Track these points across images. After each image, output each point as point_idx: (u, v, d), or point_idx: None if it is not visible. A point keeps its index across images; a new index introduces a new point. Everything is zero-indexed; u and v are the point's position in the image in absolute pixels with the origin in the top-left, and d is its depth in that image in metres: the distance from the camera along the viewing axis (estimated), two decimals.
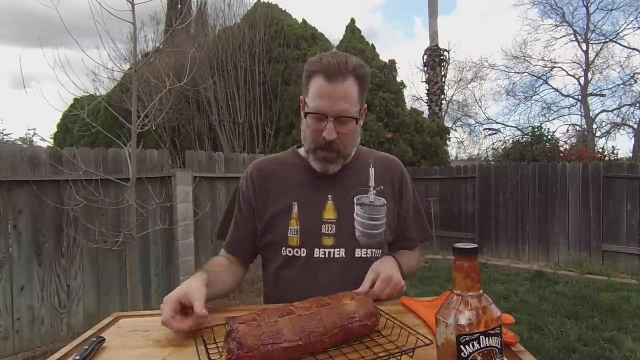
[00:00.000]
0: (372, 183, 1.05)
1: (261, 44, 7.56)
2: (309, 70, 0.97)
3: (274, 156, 1.15)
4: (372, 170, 1.06)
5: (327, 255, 0.99)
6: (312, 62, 0.97)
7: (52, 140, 11.77)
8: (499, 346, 0.52)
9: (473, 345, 0.50)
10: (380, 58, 8.01)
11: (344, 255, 1.00)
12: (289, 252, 1.01)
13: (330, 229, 1.00)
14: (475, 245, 0.54)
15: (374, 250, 1.02)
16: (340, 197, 1.03)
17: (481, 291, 0.53)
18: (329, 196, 1.02)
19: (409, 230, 1.12)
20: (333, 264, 0.99)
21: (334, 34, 24.70)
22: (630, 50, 14.95)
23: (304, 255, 1.00)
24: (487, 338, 0.51)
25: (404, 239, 1.12)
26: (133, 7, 2.60)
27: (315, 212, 1.01)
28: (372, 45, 8.23)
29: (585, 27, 15.66)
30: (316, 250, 1.00)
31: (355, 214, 1.02)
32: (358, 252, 1.01)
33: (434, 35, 10.37)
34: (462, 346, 0.50)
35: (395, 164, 1.14)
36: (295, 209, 1.02)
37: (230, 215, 1.12)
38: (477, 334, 0.50)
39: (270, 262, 1.06)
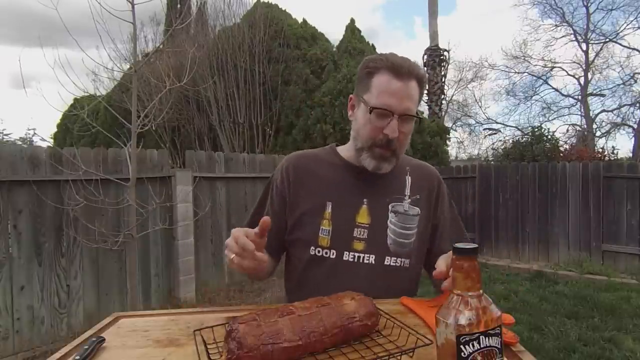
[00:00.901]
0: (407, 192, 1.03)
1: (261, 44, 7.56)
2: (371, 67, 0.96)
3: (312, 151, 1.13)
4: (409, 179, 1.05)
5: (356, 260, 0.98)
6: (375, 60, 0.97)
7: (52, 140, 11.77)
8: (499, 346, 0.52)
9: (473, 345, 0.50)
10: None
11: (373, 262, 0.98)
12: (318, 252, 0.99)
13: (362, 233, 0.99)
14: (476, 245, 0.53)
15: (403, 259, 1.01)
16: (375, 203, 1.01)
17: (481, 291, 0.53)
18: (365, 200, 1.01)
19: (444, 242, 1.08)
20: (361, 269, 0.98)
21: (334, 34, 24.71)
22: (630, 50, 14.97)
23: (333, 257, 0.98)
24: (487, 338, 0.51)
25: (439, 250, 1.06)
26: (133, 7, 2.60)
27: (349, 214, 1.00)
28: (372, 45, 8.23)
29: (585, 27, 15.68)
30: (346, 253, 0.98)
31: (388, 221, 1.01)
32: (387, 260, 0.99)
33: (434, 35, 10.37)
34: (462, 346, 0.50)
35: (432, 173, 1.12)
36: (329, 209, 1.00)
37: (262, 209, 1.09)
38: (477, 334, 0.50)
39: (297, 260, 1.04)
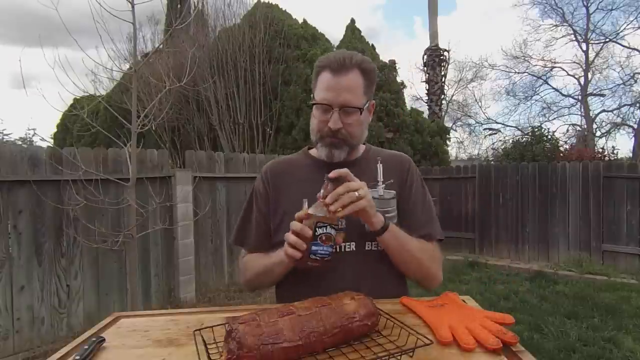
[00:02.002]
0: (380, 177, 1.06)
1: (261, 44, 7.56)
2: (317, 67, 1.04)
3: (287, 157, 1.21)
4: (379, 166, 1.08)
5: (337, 250, 1.00)
6: (320, 60, 1.05)
7: (52, 140, 11.77)
8: (334, 234, 0.86)
9: (324, 229, 0.84)
10: (381, 58, 8.02)
11: (354, 249, 1.01)
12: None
13: (340, 224, 1.01)
14: (341, 172, 0.88)
15: None
16: None
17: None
18: None
19: (415, 226, 1.08)
20: (344, 258, 1.00)
21: (335, 34, 24.76)
22: (630, 50, 14.97)
23: None
24: (332, 228, 0.85)
25: (407, 231, 1.10)
26: (133, 7, 2.60)
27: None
28: (373, 45, 8.24)
29: (585, 27, 15.68)
30: None
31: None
32: (368, 245, 1.02)
33: (434, 35, 10.37)
34: (317, 228, 0.83)
35: (404, 159, 1.16)
36: (305, 205, 1.02)
37: (248, 219, 1.15)
38: (328, 224, 0.84)
39: None
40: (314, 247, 0.84)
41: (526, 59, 17.10)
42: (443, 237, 1.12)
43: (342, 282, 0.87)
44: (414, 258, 1.01)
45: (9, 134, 14.17)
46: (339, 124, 0.99)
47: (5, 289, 2.93)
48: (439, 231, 1.11)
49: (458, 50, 29.23)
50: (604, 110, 15.72)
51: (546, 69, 16.92)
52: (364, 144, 1.15)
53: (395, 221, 1.05)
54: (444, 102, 11.73)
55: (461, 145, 19.77)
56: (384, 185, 1.05)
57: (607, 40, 15.24)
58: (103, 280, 3.51)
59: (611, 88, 15.57)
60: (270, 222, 1.10)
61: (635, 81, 14.87)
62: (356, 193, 0.87)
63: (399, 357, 0.63)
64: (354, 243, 1.01)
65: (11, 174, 2.97)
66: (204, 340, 0.70)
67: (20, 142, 13.56)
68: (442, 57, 10.30)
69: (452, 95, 18.51)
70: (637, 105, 14.87)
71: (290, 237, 0.87)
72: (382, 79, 7.22)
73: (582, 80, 16.13)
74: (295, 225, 0.87)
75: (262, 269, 1.05)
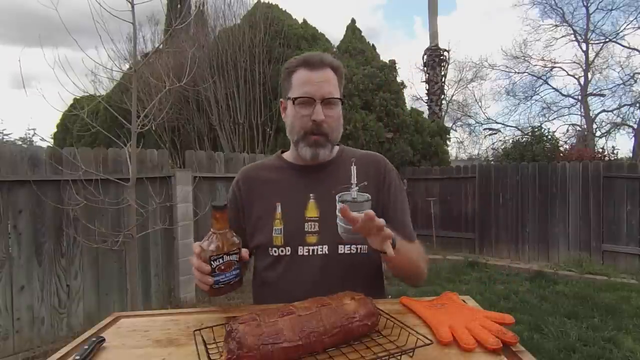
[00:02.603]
0: (354, 180, 1.03)
1: (261, 44, 7.55)
2: (289, 68, 1.06)
3: (259, 162, 1.20)
4: (353, 168, 1.04)
5: (310, 253, 1.01)
6: (291, 61, 1.06)
7: (52, 140, 11.76)
8: (237, 260, 0.86)
9: (218, 261, 0.84)
10: (381, 58, 8.01)
11: (327, 252, 1.01)
12: (275, 251, 1.03)
13: (313, 227, 1.02)
14: (224, 203, 0.86)
15: (359, 246, 1.03)
16: (322, 196, 1.04)
17: (226, 230, 0.86)
18: (311, 195, 1.05)
19: (397, 225, 1.04)
20: (316, 261, 1.01)
21: (335, 34, 24.76)
22: (630, 50, 14.95)
23: (289, 253, 1.02)
24: (228, 256, 0.85)
25: None
26: (133, 7, 2.60)
27: (298, 211, 1.04)
28: (373, 45, 8.23)
29: (585, 27, 15.66)
30: (300, 248, 1.02)
31: (337, 211, 1.01)
32: (341, 249, 1.02)
33: (434, 35, 10.37)
34: (212, 261, 0.83)
35: (379, 160, 1.14)
36: (278, 209, 1.05)
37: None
38: (221, 254, 0.84)
39: (260, 263, 1.08)
40: (215, 278, 0.84)
41: (526, 59, 17.10)
42: (414, 236, 1.11)
43: (314, 284, 0.88)
44: (414, 263, 1.00)
45: (9, 134, 14.16)
46: (322, 115, 0.99)
47: (5, 289, 2.93)
48: (412, 235, 1.10)
49: (458, 50, 29.25)
50: (604, 110, 15.72)
51: (546, 69, 16.92)
52: (338, 144, 1.14)
53: None
54: (444, 102, 11.73)
55: (461, 145, 19.78)
56: (357, 188, 1.02)
57: (607, 40, 15.24)
58: (103, 280, 3.51)
59: (611, 88, 15.57)
60: (237, 226, 1.06)
61: (635, 81, 14.87)
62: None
63: (399, 357, 0.63)
64: (326, 246, 1.01)
65: (11, 174, 2.97)
66: (204, 340, 0.70)
67: (20, 142, 13.55)
68: (442, 57, 10.30)
69: (452, 95, 18.51)
70: (637, 105, 14.87)
71: (195, 273, 0.86)
72: (382, 79, 7.21)
73: (582, 80, 16.13)
74: (193, 263, 0.85)
75: None
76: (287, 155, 1.15)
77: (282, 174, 1.10)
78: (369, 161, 1.11)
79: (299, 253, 1.02)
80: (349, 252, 1.02)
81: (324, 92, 1.00)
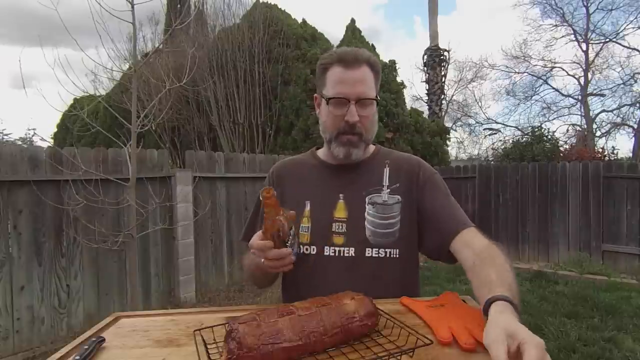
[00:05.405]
0: (386, 182, 1.04)
1: (261, 44, 7.55)
2: (324, 64, 1.02)
3: (294, 157, 1.20)
4: (386, 170, 1.05)
5: (336, 254, 1.00)
6: (326, 57, 1.03)
7: (52, 140, 11.76)
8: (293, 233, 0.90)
9: (291, 236, 0.89)
10: (381, 58, 8.01)
11: (353, 255, 0.99)
12: (300, 249, 1.02)
13: (341, 227, 1.01)
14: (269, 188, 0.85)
15: (388, 249, 1.00)
16: (352, 197, 1.03)
17: (280, 208, 0.86)
18: (340, 195, 1.03)
19: (452, 221, 0.98)
20: (342, 263, 0.99)
21: (335, 33, 24.77)
22: (630, 50, 14.93)
23: (314, 252, 1.01)
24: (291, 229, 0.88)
25: (437, 236, 0.99)
26: (133, 7, 2.60)
27: (327, 210, 1.03)
28: (373, 45, 8.23)
29: (585, 27, 15.66)
30: (326, 248, 1.00)
31: (366, 213, 1.01)
32: (368, 252, 0.99)
33: (434, 35, 10.37)
34: (287, 240, 0.88)
35: (413, 161, 1.10)
36: (307, 207, 1.04)
37: (255, 217, 1.15)
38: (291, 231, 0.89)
39: None
40: (294, 251, 0.90)
41: (526, 59, 17.08)
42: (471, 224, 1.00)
43: (340, 285, 0.84)
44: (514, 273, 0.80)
45: (9, 134, 14.19)
46: (356, 117, 0.97)
47: (5, 289, 2.93)
48: (468, 222, 0.98)
49: (458, 50, 29.11)
50: (604, 110, 15.71)
51: (546, 69, 16.90)
52: (374, 144, 1.13)
53: (397, 228, 1.01)
54: (444, 102, 11.72)
55: (461, 145, 19.77)
56: (388, 190, 1.03)
57: (607, 40, 15.23)
58: (103, 280, 3.51)
59: (611, 88, 15.55)
60: None
61: (635, 81, 14.86)
62: None
63: (399, 357, 0.63)
64: (352, 249, 0.99)
65: (11, 174, 2.97)
66: (204, 340, 0.70)
67: (20, 142, 13.56)
68: (442, 57, 10.29)
69: (452, 95, 18.49)
70: (637, 105, 14.86)
71: (270, 263, 0.88)
72: (382, 79, 7.19)
73: (582, 80, 16.12)
74: (270, 255, 0.87)
75: (254, 268, 1.03)
76: (321, 153, 1.13)
77: (314, 172, 1.10)
78: (402, 162, 1.08)
79: (325, 253, 1.00)
80: (377, 255, 0.99)
81: (359, 92, 0.98)
